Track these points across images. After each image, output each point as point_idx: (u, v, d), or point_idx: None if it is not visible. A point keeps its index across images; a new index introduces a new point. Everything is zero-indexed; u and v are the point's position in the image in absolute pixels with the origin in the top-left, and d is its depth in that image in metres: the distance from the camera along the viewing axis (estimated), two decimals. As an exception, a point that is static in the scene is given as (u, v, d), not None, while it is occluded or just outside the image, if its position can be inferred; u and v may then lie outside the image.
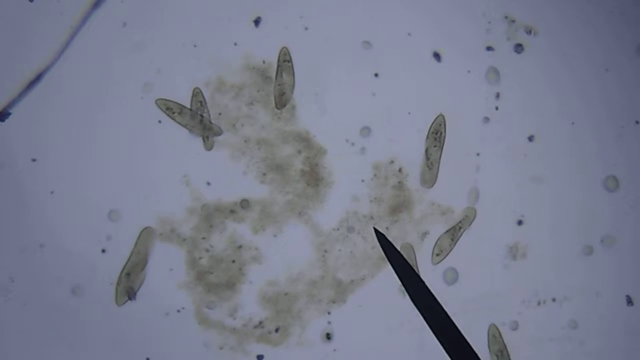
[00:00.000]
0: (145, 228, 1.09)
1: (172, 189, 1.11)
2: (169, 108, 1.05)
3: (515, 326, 1.16)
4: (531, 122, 1.15)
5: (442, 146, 1.11)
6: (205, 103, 1.06)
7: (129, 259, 1.08)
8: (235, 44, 1.11)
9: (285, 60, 1.07)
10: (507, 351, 1.11)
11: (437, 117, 1.12)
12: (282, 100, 1.05)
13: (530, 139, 1.15)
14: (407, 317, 1.13)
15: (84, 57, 1.09)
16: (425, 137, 1.12)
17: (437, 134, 1.11)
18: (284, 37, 1.11)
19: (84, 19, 1.09)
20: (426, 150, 1.10)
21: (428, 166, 1.09)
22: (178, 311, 1.12)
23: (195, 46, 1.10)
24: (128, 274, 1.05)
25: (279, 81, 1.06)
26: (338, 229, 1.14)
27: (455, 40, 1.14)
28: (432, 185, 1.11)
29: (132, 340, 1.11)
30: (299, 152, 1.12)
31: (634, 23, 1.15)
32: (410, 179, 1.15)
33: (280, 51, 1.07)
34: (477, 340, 1.07)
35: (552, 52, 1.15)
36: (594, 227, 1.16)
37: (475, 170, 1.15)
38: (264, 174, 1.12)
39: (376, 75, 1.13)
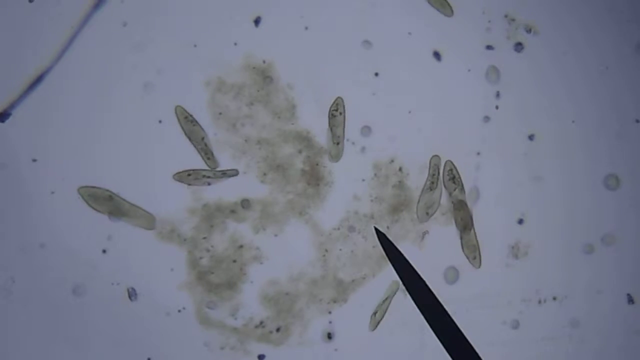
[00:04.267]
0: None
1: (173, 188, 1.11)
2: (186, 117, 1.07)
3: (516, 325, 1.16)
4: (531, 120, 1.16)
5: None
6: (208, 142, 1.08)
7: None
8: (236, 44, 1.11)
9: (335, 110, 1.09)
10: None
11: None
12: (338, 152, 1.09)
13: (531, 137, 1.16)
14: (408, 317, 1.13)
15: (84, 57, 1.09)
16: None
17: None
18: (284, 37, 1.12)
19: (84, 20, 1.09)
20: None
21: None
22: (179, 311, 1.12)
23: (195, 46, 1.10)
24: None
25: (332, 134, 1.08)
26: (339, 229, 1.14)
27: (455, 39, 1.14)
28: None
29: (133, 341, 1.11)
30: (300, 151, 1.12)
31: (634, 20, 1.16)
32: (410, 178, 1.15)
33: (334, 102, 1.09)
34: (477, 339, 1.09)
35: (552, 51, 1.16)
36: (595, 225, 1.17)
37: (475, 169, 1.15)
38: (265, 174, 1.12)
39: (376, 74, 1.13)
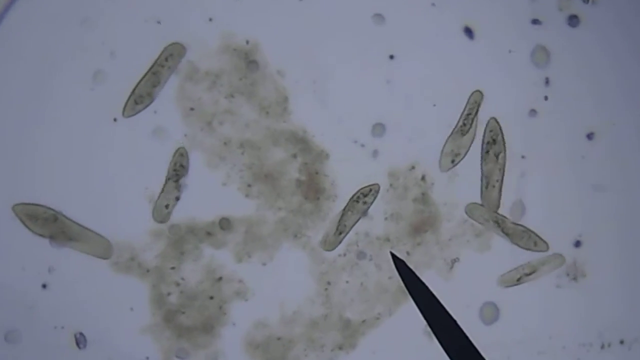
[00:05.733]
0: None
1: (132, 205, 1.07)
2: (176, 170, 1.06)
3: (573, 376, 1.13)
4: (590, 115, 1.12)
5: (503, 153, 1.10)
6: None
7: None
8: (211, 20, 1.08)
9: (364, 196, 1.06)
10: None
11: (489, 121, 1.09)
12: (334, 242, 1.07)
13: (589, 136, 1.12)
14: (434, 364, 1.08)
15: (18, 38, 1.05)
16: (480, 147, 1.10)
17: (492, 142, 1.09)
18: (273, 10, 1.08)
19: (19, -10, 1.04)
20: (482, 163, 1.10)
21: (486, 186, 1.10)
22: (141, 363, 1.08)
23: (159, 23, 1.07)
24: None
25: (340, 220, 1.07)
26: (345, 255, 1.10)
27: (491, 11, 1.11)
28: (497, 208, 1.09)
29: (81, 401, 1.07)
30: (294, 156, 1.09)
31: None
32: (436, 189, 1.11)
33: (368, 187, 1.06)
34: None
35: (614, 25, 1.12)
36: (670, 247, 1.12)
37: (519, 177, 1.10)
38: (249, 185, 1.09)
39: (391, 57, 1.09)
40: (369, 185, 1.08)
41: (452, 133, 1.09)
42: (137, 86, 1.06)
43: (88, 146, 1.05)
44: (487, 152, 1.11)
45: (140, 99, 1.06)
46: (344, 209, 1.08)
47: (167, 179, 1.06)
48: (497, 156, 1.11)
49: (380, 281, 1.10)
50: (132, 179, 1.07)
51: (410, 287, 1.05)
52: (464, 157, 1.10)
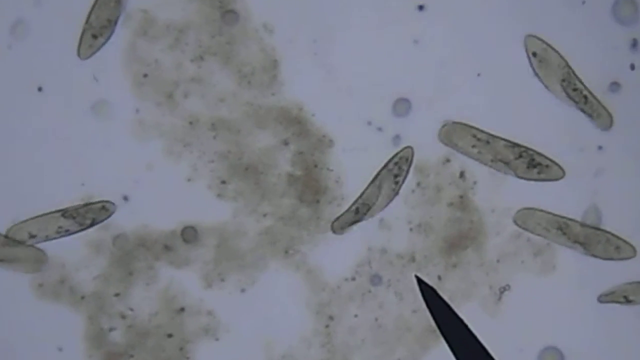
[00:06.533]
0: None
1: (63, 206, 0.94)
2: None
3: None
4: None
5: None
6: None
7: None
8: None
9: (399, 172, 0.94)
10: None
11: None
12: (345, 223, 0.94)
13: None
14: None
15: None
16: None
17: None
18: None
19: None
20: None
21: None
22: (73, 420, 0.99)
23: None
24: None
25: (364, 199, 0.95)
26: (353, 279, 0.97)
27: None
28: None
29: None
30: (286, 143, 0.97)
31: None
32: (479, 189, 0.96)
33: (399, 155, 0.94)
34: None
35: None
36: None
37: (594, 174, 0.96)
38: (224, 182, 0.97)
39: (420, 8, 0.96)
40: (402, 153, 0.94)
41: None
42: (91, 12, 0.92)
43: (5, 123, 0.92)
44: None
45: (101, 30, 0.92)
46: (372, 183, 0.95)
47: (63, 210, 0.92)
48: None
49: (402, 316, 0.98)
50: (62, 169, 0.93)
51: (443, 325, 0.90)
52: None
